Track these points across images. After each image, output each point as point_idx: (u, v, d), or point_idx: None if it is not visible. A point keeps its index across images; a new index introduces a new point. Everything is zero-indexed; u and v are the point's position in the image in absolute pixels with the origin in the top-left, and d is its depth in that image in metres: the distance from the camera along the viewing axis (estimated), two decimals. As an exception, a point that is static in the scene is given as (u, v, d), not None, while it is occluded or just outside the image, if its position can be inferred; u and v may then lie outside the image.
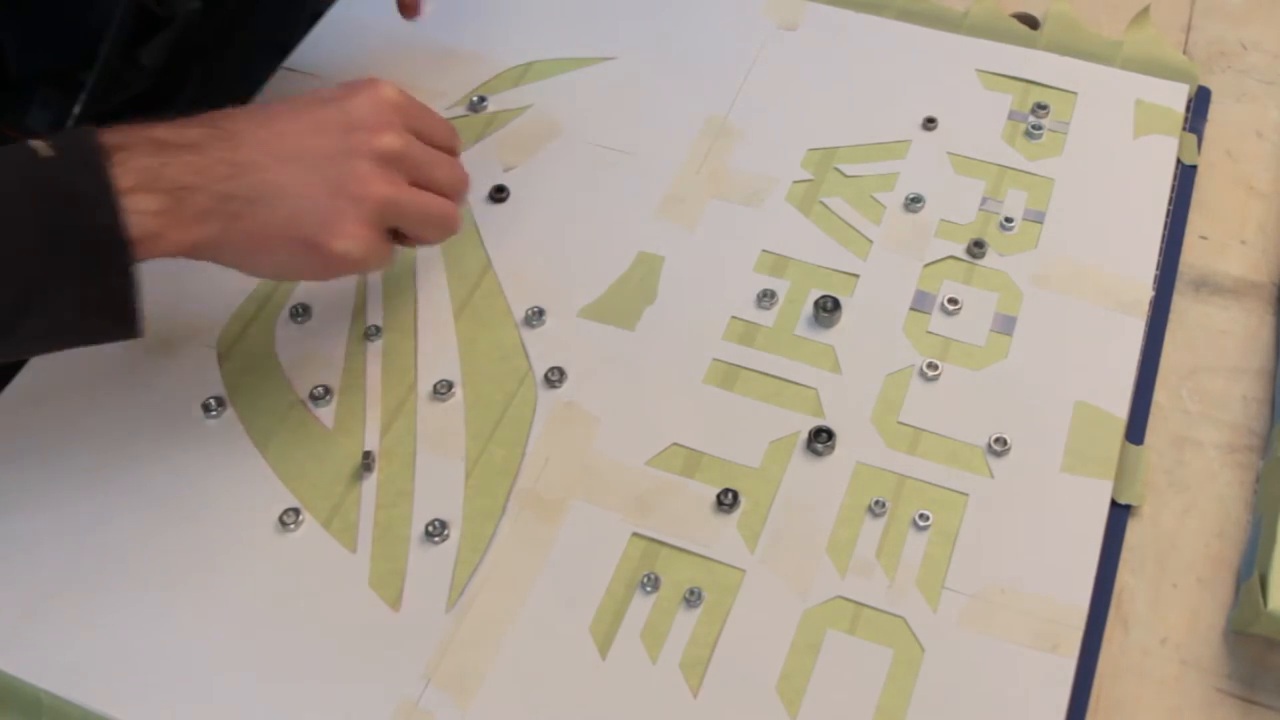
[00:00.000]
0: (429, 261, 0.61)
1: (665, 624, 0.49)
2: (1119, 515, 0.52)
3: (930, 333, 0.57)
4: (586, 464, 0.54)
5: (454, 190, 0.55)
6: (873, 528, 0.51)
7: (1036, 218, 0.61)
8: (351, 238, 0.50)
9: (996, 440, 0.53)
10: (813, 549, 0.51)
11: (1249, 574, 0.49)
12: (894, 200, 0.62)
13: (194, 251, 0.48)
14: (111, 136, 0.45)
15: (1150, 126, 0.64)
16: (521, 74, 0.69)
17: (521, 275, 0.60)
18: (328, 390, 0.56)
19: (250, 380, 0.57)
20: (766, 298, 0.58)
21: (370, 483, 0.53)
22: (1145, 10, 0.69)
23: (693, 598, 0.50)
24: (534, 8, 0.72)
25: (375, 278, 0.60)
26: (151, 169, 0.46)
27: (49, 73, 0.68)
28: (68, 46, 0.67)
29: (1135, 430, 0.54)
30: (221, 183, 0.47)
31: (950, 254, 0.60)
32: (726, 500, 0.52)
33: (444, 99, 0.67)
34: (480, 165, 0.64)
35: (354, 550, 0.52)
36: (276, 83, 0.69)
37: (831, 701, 0.47)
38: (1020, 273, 0.59)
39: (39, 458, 0.54)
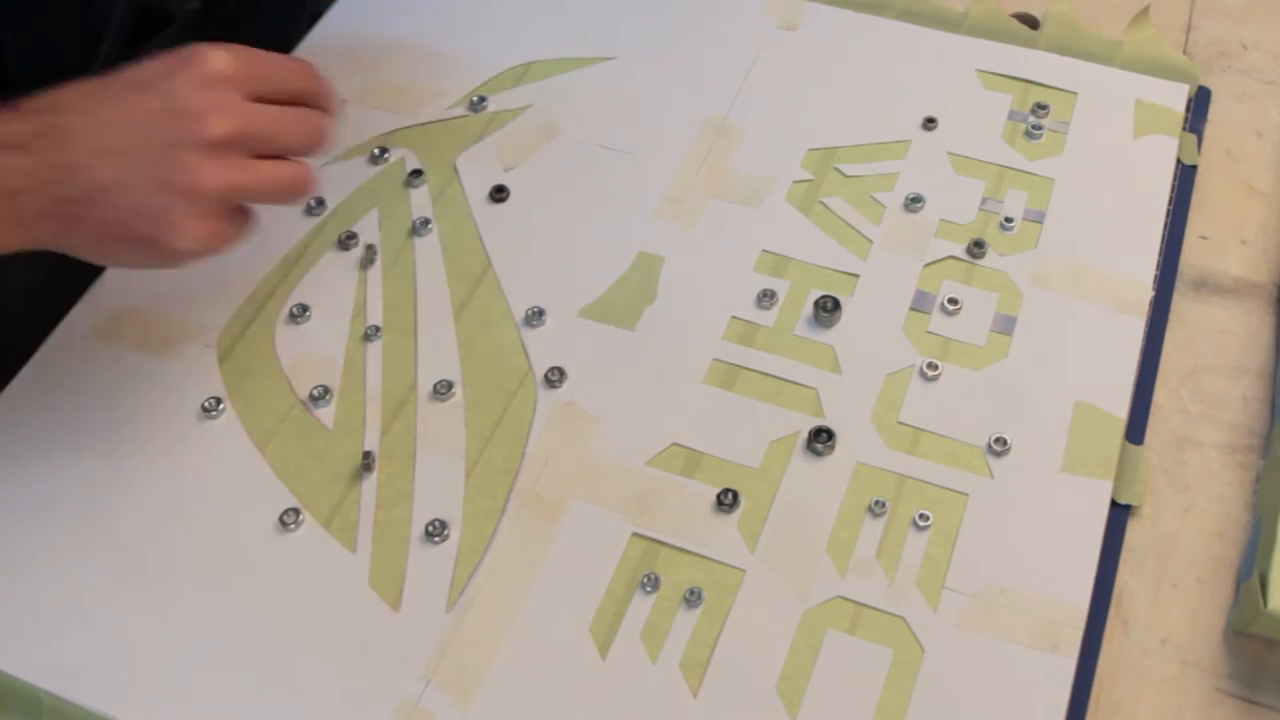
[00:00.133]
0: (429, 261, 0.61)
1: (665, 624, 0.49)
2: (1119, 515, 0.52)
3: (930, 333, 0.57)
4: (586, 464, 0.54)
5: (308, 148, 0.51)
6: (873, 528, 0.51)
7: (1036, 218, 0.61)
8: (190, 234, 0.48)
9: (996, 440, 0.53)
10: (813, 549, 0.51)
11: (1249, 574, 0.49)
12: (894, 200, 0.62)
13: (41, 245, 0.47)
14: None
15: (1150, 126, 0.64)
16: (521, 74, 0.69)
17: (521, 275, 0.60)
18: (328, 390, 0.56)
19: (250, 380, 0.57)
20: (766, 298, 0.58)
21: (370, 483, 0.53)
22: (1145, 10, 0.69)
23: (693, 598, 0.50)
24: (534, 8, 0.72)
25: (375, 278, 0.60)
26: None
27: (49, 73, 0.68)
28: (68, 47, 0.67)
29: (1135, 430, 0.54)
30: (53, 186, 0.46)
31: (950, 254, 0.60)
32: (726, 500, 0.52)
33: (444, 99, 0.67)
34: (480, 165, 0.64)
35: (354, 550, 0.52)
36: (276, 83, 0.69)
37: (831, 701, 0.47)
38: (1020, 273, 0.59)
39: (39, 458, 0.54)
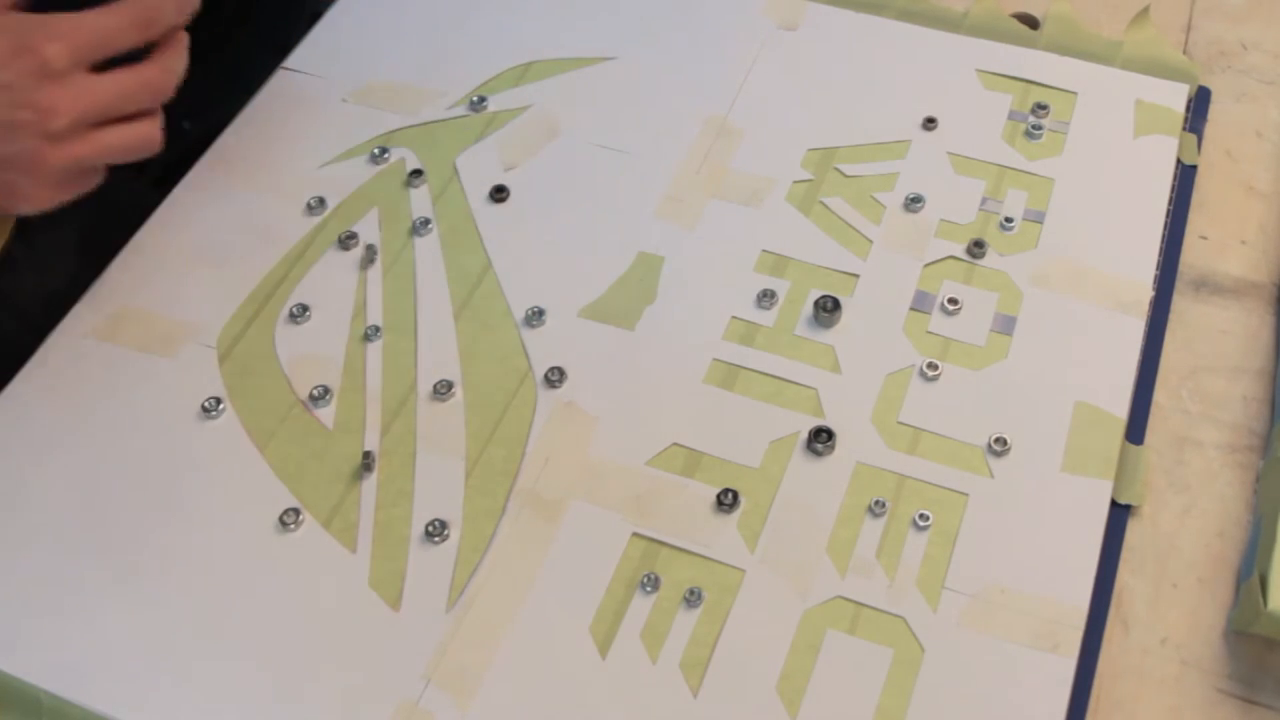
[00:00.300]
0: (429, 261, 0.61)
1: (665, 624, 0.49)
2: (1119, 515, 0.52)
3: (930, 333, 0.57)
4: (586, 464, 0.54)
5: (154, 103, 0.53)
6: (873, 528, 0.51)
7: (1036, 218, 0.61)
8: (35, 201, 0.50)
9: (996, 440, 0.53)
10: (813, 549, 0.51)
11: (1249, 574, 0.49)
12: (894, 200, 0.62)
13: None
14: None
15: (1150, 126, 0.64)
16: (521, 74, 0.69)
17: (521, 275, 0.60)
18: (328, 390, 0.56)
19: (250, 380, 0.57)
20: (766, 298, 0.58)
21: (370, 483, 0.53)
22: (1145, 10, 0.69)
23: (693, 598, 0.50)
24: (534, 8, 0.72)
25: (375, 278, 0.60)
26: None
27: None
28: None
29: (1135, 430, 0.54)
30: None
31: (950, 254, 0.60)
32: (726, 500, 0.52)
33: (444, 99, 0.67)
34: (480, 165, 0.64)
35: (354, 550, 0.52)
36: (276, 83, 0.69)
37: (831, 701, 0.47)
38: (1020, 273, 0.59)
39: (39, 457, 0.54)
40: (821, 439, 0.53)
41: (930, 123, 0.65)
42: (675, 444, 0.54)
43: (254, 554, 0.51)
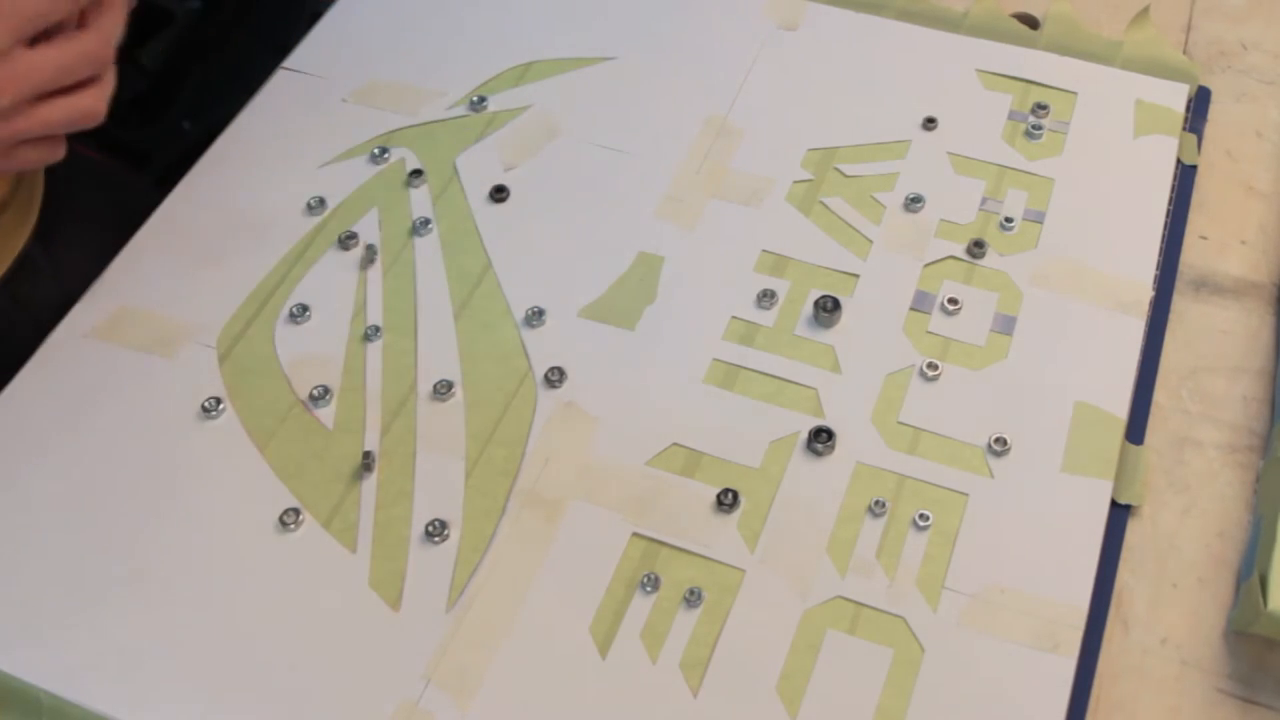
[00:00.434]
0: (429, 261, 0.61)
1: (665, 624, 0.49)
2: (1119, 515, 0.52)
3: (930, 333, 0.57)
4: (586, 464, 0.54)
5: (94, 71, 0.52)
6: (873, 528, 0.51)
7: (1036, 218, 0.61)
8: None
9: (996, 440, 0.53)
10: (813, 549, 0.51)
11: (1249, 574, 0.49)
12: (894, 200, 0.62)
13: None
14: None
15: (1150, 126, 0.64)
16: (521, 74, 0.69)
17: (521, 275, 0.60)
18: (327, 390, 0.56)
19: (250, 380, 0.57)
20: (766, 298, 0.58)
21: (370, 483, 0.53)
22: (1145, 10, 0.69)
23: (693, 598, 0.50)
24: (534, 8, 0.72)
25: (375, 278, 0.60)
26: None
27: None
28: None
29: (1135, 430, 0.54)
30: None
31: (950, 254, 0.60)
32: (726, 500, 0.52)
33: (444, 99, 0.67)
34: (480, 165, 0.64)
35: (354, 550, 0.52)
36: (276, 83, 0.69)
37: (831, 701, 0.47)
38: (1020, 273, 0.59)
39: (39, 458, 0.54)
40: (821, 439, 0.53)
41: (930, 123, 0.65)
42: (675, 444, 0.54)
43: (254, 554, 0.51)
